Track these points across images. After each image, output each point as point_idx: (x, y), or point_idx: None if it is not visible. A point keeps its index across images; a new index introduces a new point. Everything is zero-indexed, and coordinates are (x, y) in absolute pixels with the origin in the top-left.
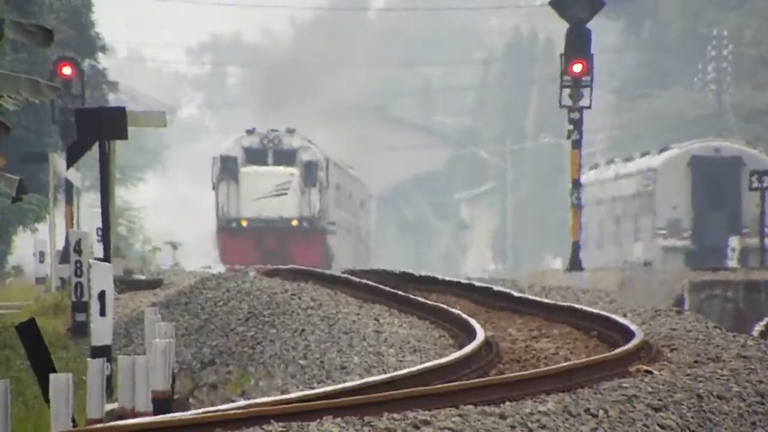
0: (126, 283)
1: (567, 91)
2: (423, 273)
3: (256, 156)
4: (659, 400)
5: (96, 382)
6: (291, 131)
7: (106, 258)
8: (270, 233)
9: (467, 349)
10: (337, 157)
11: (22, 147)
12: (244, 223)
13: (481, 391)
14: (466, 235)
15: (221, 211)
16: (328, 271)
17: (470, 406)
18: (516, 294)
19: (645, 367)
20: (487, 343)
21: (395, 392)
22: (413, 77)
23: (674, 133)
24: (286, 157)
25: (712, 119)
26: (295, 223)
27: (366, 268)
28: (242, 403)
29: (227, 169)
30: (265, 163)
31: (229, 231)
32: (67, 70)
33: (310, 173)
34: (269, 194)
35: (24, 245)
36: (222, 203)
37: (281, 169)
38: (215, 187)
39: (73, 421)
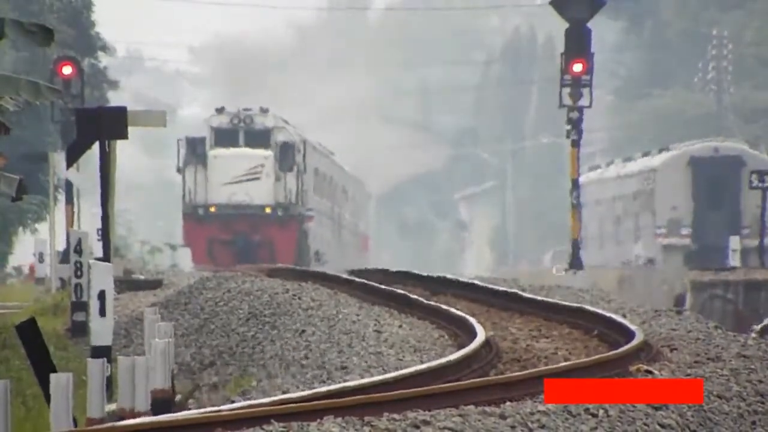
0: (126, 284)
1: (567, 90)
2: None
3: (225, 137)
4: None
5: (96, 382)
6: (264, 110)
7: (106, 258)
8: (241, 220)
9: (467, 348)
10: (315, 140)
11: (22, 147)
12: (213, 210)
13: (481, 391)
14: (465, 234)
15: (188, 197)
16: (330, 272)
17: (470, 406)
18: (520, 294)
19: (645, 367)
20: (487, 343)
21: (395, 392)
22: (413, 77)
23: (674, 133)
24: (259, 138)
25: (712, 119)
26: (268, 209)
27: (360, 264)
28: (242, 403)
29: (194, 152)
30: (236, 145)
31: (196, 218)
32: (67, 70)
33: (286, 156)
34: (240, 178)
35: (23, 246)
36: (189, 188)
37: (253, 151)
38: (181, 171)
39: (74, 420)
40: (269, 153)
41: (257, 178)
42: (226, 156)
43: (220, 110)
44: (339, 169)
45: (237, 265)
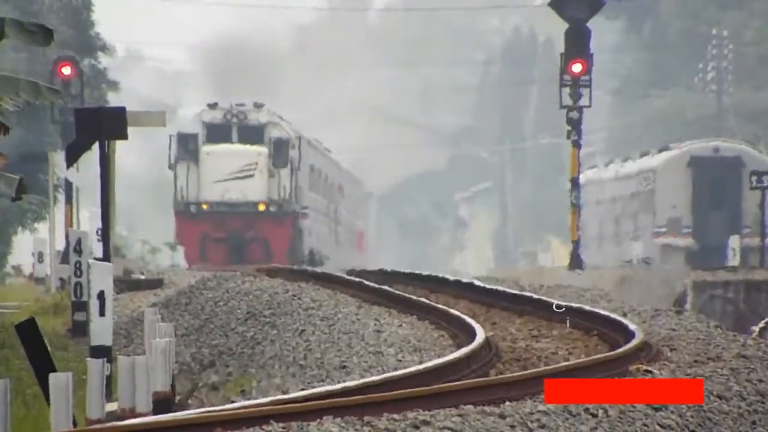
0: (126, 283)
1: (567, 90)
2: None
3: (218, 133)
4: None
5: (96, 382)
6: (258, 106)
7: (106, 258)
8: (234, 218)
9: (467, 348)
10: (311, 136)
11: (22, 147)
12: (205, 207)
13: (480, 391)
14: (465, 233)
15: (179, 194)
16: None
17: (470, 406)
18: (518, 293)
19: (645, 367)
20: (487, 343)
21: (395, 392)
22: (413, 77)
23: (674, 133)
24: (253, 134)
25: (712, 119)
26: (262, 207)
27: (357, 263)
28: (242, 403)
29: (186, 148)
30: (229, 141)
31: (188, 216)
32: (66, 70)
33: (280, 152)
34: (233, 175)
35: (22, 246)
36: (180, 185)
37: (247, 147)
38: (172, 168)
39: (74, 420)
40: (263, 149)
41: (251, 175)
42: (218, 152)
43: (212, 105)
44: (335, 165)
45: (231, 263)
